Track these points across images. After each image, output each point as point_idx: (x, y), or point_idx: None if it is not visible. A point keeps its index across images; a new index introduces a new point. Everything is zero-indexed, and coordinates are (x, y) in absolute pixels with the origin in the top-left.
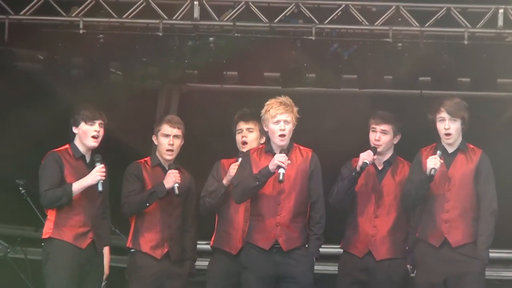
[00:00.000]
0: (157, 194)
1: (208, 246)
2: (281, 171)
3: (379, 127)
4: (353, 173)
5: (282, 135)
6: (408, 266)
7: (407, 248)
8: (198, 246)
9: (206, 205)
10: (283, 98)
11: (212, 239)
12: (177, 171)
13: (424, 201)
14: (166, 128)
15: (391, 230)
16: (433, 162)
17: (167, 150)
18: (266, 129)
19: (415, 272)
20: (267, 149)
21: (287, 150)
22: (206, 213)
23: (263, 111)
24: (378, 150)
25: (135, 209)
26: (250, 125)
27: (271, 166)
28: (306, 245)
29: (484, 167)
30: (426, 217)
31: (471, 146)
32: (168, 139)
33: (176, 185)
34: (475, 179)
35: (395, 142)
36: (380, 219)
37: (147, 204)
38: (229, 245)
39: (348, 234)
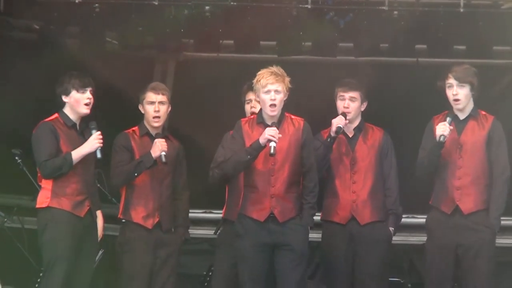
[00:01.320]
0: (144, 164)
1: (207, 215)
2: (272, 144)
3: (347, 94)
4: (328, 139)
5: (273, 105)
6: (390, 228)
7: (389, 210)
8: (208, 215)
9: (215, 175)
10: (274, 68)
11: (223, 210)
12: (163, 140)
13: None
14: (150, 96)
15: (370, 194)
16: (442, 128)
17: (154, 117)
18: (257, 99)
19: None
20: (259, 120)
21: (278, 120)
22: (214, 184)
23: (254, 81)
24: (348, 117)
25: (123, 180)
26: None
27: (262, 140)
28: (300, 215)
29: (496, 133)
30: (438, 184)
31: (483, 112)
32: (153, 106)
33: (163, 153)
34: (487, 145)
35: (362, 109)
36: (358, 185)
37: (136, 175)
38: None
39: (327, 203)
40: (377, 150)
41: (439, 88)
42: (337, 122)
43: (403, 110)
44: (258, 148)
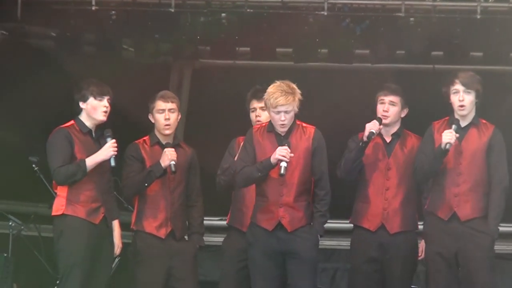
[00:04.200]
0: (154, 173)
1: (223, 222)
2: (283, 164)
3: (387, 98)
4: (360, 143)
5: (283, 125)
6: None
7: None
8: (214, 222)
9: (220, 182)
10: (285, 86)
11: (228, 216)
12: (172, 149)
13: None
14: (160, 104)
15: (403, 202)
16: (448, 136)
17: (165, 126)
18: (268, 113)
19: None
20: (269, 128)
21: (289, 130)
22: (221, 190)
23: (265, 96)
24: (386, 121)
25: (135, 191)
26: (263, 104)
27: (273, 160)
28: (311, 223)
29: (497, 142)
30: (436, 190)
31: (484, 121)
32: (163, 114)
33: (173, 162)
34: (487, 153)
35: (402, 116)
36: (391, 192)
37: (146, 185)
38: (242, 223)
39: (358, 207)
40: (414, 158)
41: (443, 94)
42: (370, 127)
43: (420, 117)
44: (269, 166)
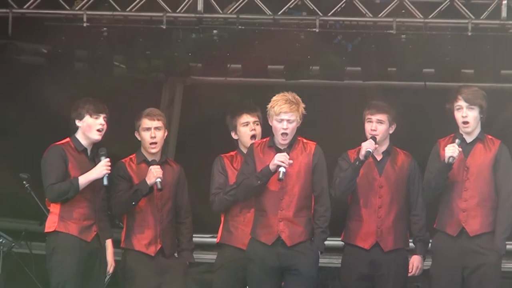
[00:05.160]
0: (140, 191)
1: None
2: (281, 169)
3: (375, 117)
4: (357, 163)
5: (285, 134)
6: (419, 256)
7: (417, 237)
8: (204, 239)
9: (222, 201)
10: (289, 96)
11: (219, 235)
12: (158, 166)
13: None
14: (146, 122)
15: (395, 220)
16: (451, 150)
17: (151, 144)
18: (270, 124)
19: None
20: (270, 143)
21: (289, 145)
22: (221, 210)
23: (268, 106)
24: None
25: (122, 210)
26: (255, 118)
27: (272, 166)
28: (312, 239)
29: (503, 157)
30: (444, 206)
31: (489, 136)
32: (149, 132)
33: (159, 180)
34: (493, 169)
35: (390, 132)
36: (384, 210)
37: (133, 203)
38: (240, 241)
39: (351, 226)
40: (405, 175)
41: (447, 111)
42: (367, 146)
43: (412, 134)
44: (268, 173)
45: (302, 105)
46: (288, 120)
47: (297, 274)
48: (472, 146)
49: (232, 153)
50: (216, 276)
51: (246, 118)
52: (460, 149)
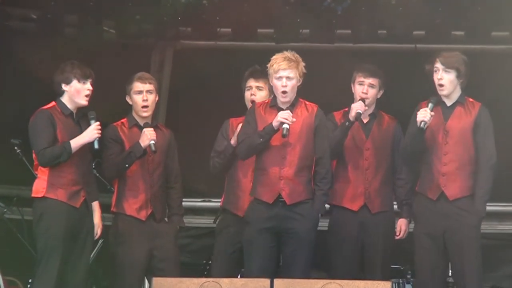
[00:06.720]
0: (134, 154)
1: (205, 203)
2: (285, 126)
3: (367, 80)
4: (346, 123)
5: (284, 92)
6: (406, 219)
7: (403, 200)
8: (207, 204)
9: (215, 165)
10: (288, 54)
11: (222, 199)
12: (151, 129)
13: (423, 155)
14: (137, 85)
15: (382, 182)
16: (422, 114)
17: (143, 107)
18: (271, 84)
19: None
20: (272, 103)
21: (291, 105)
22: (215, 173)
23: (268, 65)
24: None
25: (115, 172)
26: (260, 83)
27: (275, 123)
28: (312, 200)
29: (483, 120)
30: (425, 170)
31: (470, 99)
32: (141, 95)
33: (152, 142)
34: (473, 132)
35: (378, 97)
36: (371, 172)
37: (127, 166)
38: (237, 207)
39: (337, 188)
40: (391, 138)
41: (427, 72)
42: (357, 107)
43: (401, 97)
44: (271, 131)
45: (302, 64)
46: (287, 77)
47: (295, 236)
48: (452, 110)
49: (241, 118)
50: (217, 240)
51: (249, 82)
52: (433, 113)
